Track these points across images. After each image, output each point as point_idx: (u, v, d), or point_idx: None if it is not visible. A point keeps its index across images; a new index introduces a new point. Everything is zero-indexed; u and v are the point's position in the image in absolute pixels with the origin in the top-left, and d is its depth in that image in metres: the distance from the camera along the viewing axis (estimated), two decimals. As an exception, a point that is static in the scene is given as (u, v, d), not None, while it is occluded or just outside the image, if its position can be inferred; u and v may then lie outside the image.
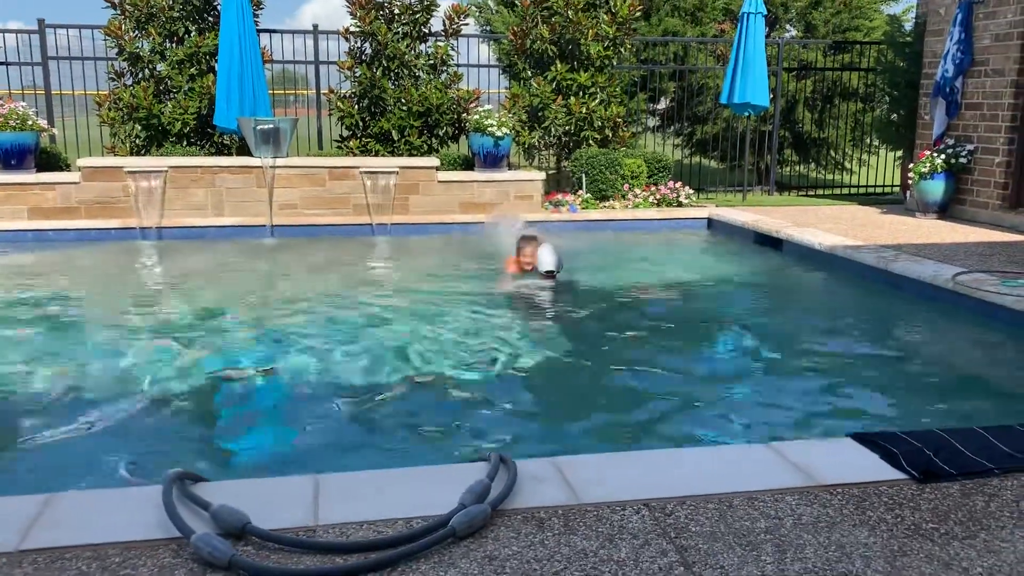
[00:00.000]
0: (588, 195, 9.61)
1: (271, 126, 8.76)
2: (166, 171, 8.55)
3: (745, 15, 10.24)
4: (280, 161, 8.76)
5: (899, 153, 11.16)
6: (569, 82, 10.17)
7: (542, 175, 9.49)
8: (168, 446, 3.47)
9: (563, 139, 10.41)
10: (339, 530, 2.21)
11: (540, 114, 10.15)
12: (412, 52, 10.00)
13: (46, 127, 8.97)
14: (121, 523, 2.25)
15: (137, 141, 9.68)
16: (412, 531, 2.18)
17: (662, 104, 14.49)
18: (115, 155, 9.50)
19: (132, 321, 5.48)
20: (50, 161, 9.11)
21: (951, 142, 8.99)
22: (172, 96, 9.66)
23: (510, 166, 9.82)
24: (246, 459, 3.39)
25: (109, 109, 9.52)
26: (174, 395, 4.01)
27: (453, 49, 10.31)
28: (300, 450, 3.47)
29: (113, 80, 9.75)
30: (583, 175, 9.74)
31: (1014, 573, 2.04)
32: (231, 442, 3.58)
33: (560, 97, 10.10)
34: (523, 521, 2.27)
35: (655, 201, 9.65)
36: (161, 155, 9.15)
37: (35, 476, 3.16)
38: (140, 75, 9.66)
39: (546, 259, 6.15)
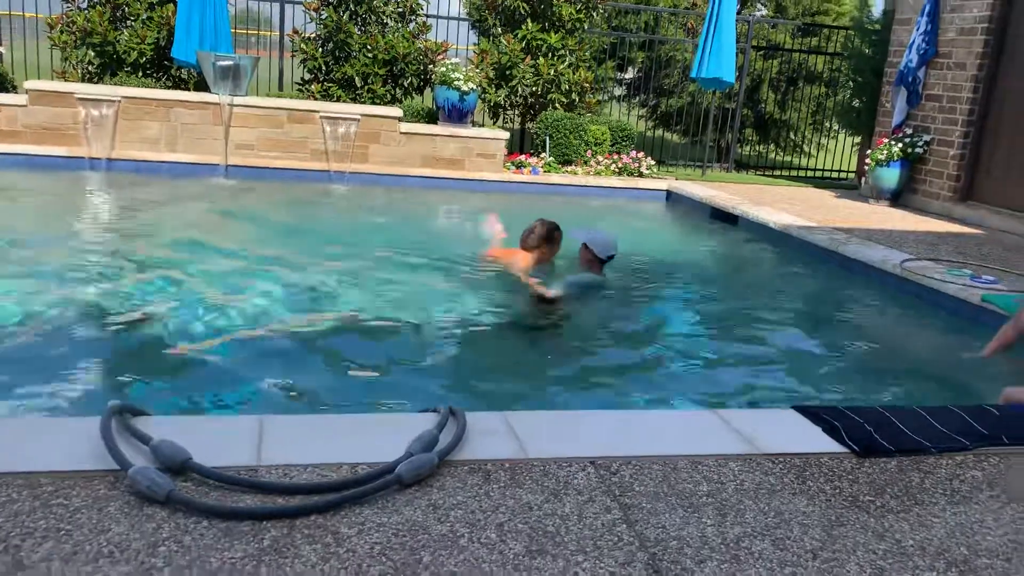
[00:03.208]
0: (551, 158, 9.56)
1: (231, 62, 8.51)
2: (119, 101, 8.27)
3: (719, -11, 10.21)
4: (239, 100, 8.53)
5: (857, 139, 11.32)
6: (539, 42, 10.07)
7: (506, 134, 9.41)
8: (105, 383, 3.39)
9: (529, 100, 10.32)
10: (282, 471, 2.18)
11: (508, 72, 10.04)
12: (381, -2, 9.79)
13: (-7, 46, 8.62)
14: (55, 453, 2.19)
15: (90, 68, 9.34)
16: (357, 476, 2.16)
17: (630, 73, 14.46)
18: (65, 80, 9.15)
19: (73, 253, 5.32)
20: (-4, 81, 8.77)
21: (909, 131, 9.13)
22: (129, 24, 9.33)
23: (474, 124, 9.72)
24: (186, 402, 3.32)
25: (61, 32, 9.15)
26: (113, 332, 3.91)
27: (423, -1, 10.14)
28: (244, 395, 3.41)
29: (67, 2, 9.36)
30: (547, 138, 9.68)
31: (944, 547, 2.10)
32: (170, 385, 3.50)
33: (529, 57, 10.00)
34: (470, 472, 2.26)
35: (617, 170, 9.65)
36: (115, 84, 8.84)
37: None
38: (96, -1, 9.31)
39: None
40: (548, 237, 5.16)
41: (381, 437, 2.40)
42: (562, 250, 5.25)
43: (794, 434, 2.71)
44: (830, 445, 2.63)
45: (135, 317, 4.11)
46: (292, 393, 3.40)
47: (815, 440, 2.66)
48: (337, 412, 3.22)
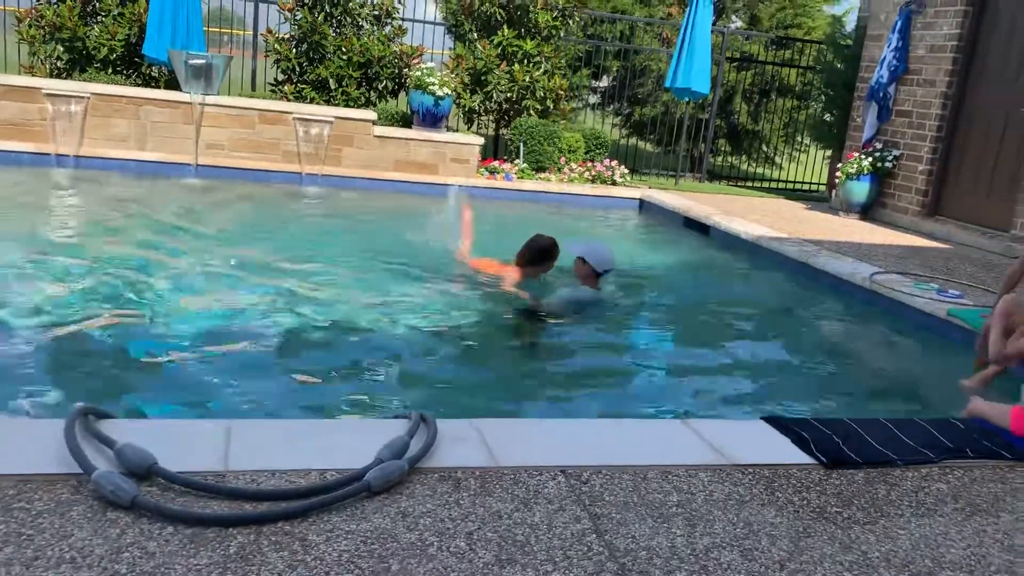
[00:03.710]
0: (524, 165, 9.57)
1: (203, 61, 8.42)
2: (88, 98, 8.15)
3: (695, 0, 10.30)
4: (210, 99, 8.44)
5: (828, 152, 11.45)
6: (515, 48, 10.08)
7: (480, 140, 9.41)
8: (69, 385, 3.32)
9: (504, 106, 10.33)
10: (250, 477, 2.15)
11: (483, 78, 10.04)
12: (356, 0, 9.74)
13: (-41, 38, 8.45)
14: (17, 455, 2.15)
15: (58, 63, 9.19)
16: (326, 483, 2.14)
17: (604, 82, 14.52)
18: (33, 76, 9.00)
19: (35, 252, 5.22)
20: (-39, 75, 8.59)
21: (879, 146, 9.26)
22: (100, 20, 9.19)
23: (448, 129, 9.70)
24: (152, 406, 3.27)
25: (29, 26, 9.00)
26: (77, 334, 3.84)
27: (399, 2, 10.09)
28: (211, 400, 3.36)
29: (36, -5, 9.22)
30: (521, 144, 9.69)
31: (908, 559, 2.12)
32: (137, 388, 3.44)
33: (504, 63, 10.00)
34: (440, 480, 2.25)
35: (590, 177, 9.68)
36: (84, 81, 8.71)
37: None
38: (66, -7, 9.17)
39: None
40: (545, 255, 5.00)
41: (350, 443, 2.38)
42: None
43: (763, 445, 2.73)
44: (799, 456, 2.65)
45: (99, 318, 4.04)
46: (259, 398, 3.36)
47: (784, 451, 2.68)
48: (305, 418, 3.19)
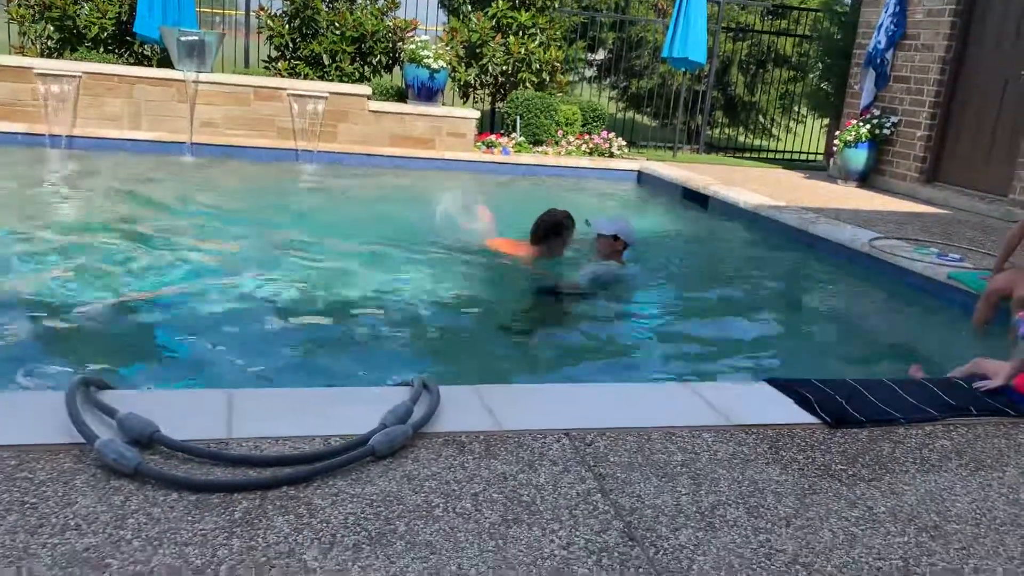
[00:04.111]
0: (522, 138, 9.51)
1: (196, 38, 8.34)
2: (80, 77, 8.08)
3: (690, -31, 10.18)
4: (204, 76, 8.37)
5: (825, 122, 11.39)
6: (510, 20, 9.99)
7: (476, 114, 9.34)
8: (69, 360, 3.31)
9: (499, 79, 10.25)
10: (253, 444, 2.15)
11: (478, 51, 9.96)
12: (349, -26, 9.65)
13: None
14: (18, 426, 2.14)
15: (49, 43, 9.10)
16: (330, 448, 2.13)
17: (600, 55, 14.41)
18: (24, 55, 8.91)
19: (33, 228, 5.19)
20: (-49, 56, 8.50)
21: (877, 113, 9.20)
22: (90, -2, 9.09)
23: (443, 104, 9.63)
24: (154, 380, 3.26)
25: (19, 5, 8.90)
26: (77, 310, 3.82)
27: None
28: (213, 372, 3.35)
29: (25, -26, 9.11)
30: (518, 117, 9.63)
31: (914, 513, 2.12)
32: (139, 361, 3.43)
33: (500, 35, 9.92)
34: (444, 444, 2.24)
35: (588, 150, 9.63)
36: (75, 60, 8.63)
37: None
38: (55, -29, 9.06)
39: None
40: (560, 228, 4.83)
41: (353, 410, 2.37)
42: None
43: (767, 406, 2.72)
44: (803, 416, 2.65)
45: (99, 295, 4.02)
46: (260, 370, 3.35)
47: (788, 412, 2.68)
48: (308, 387, 3.18)
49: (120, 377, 3.13)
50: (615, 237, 4.82)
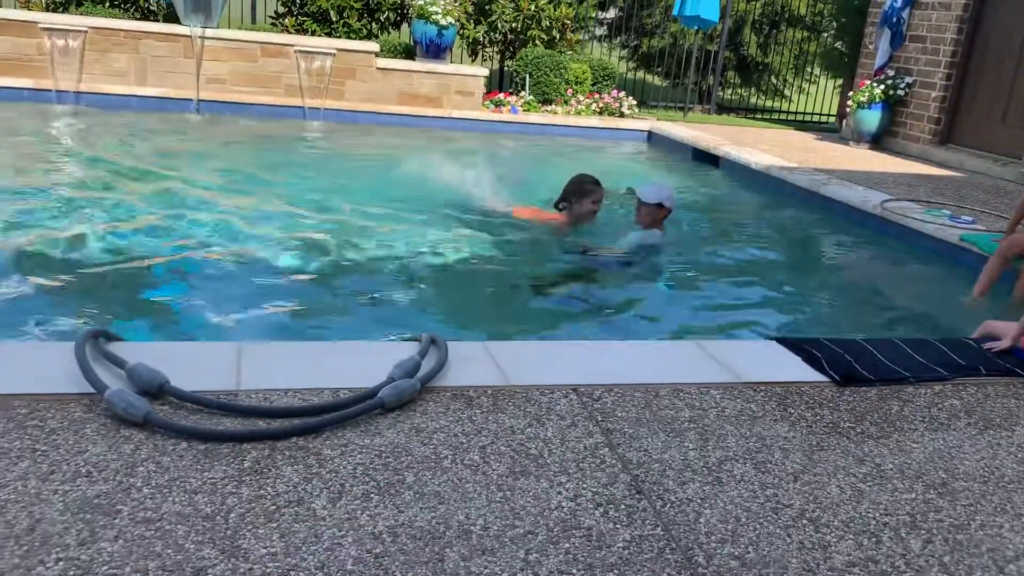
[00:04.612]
0: (531, 97, 9.42)
1: (203, -7, 8.24)
2: (86, 31, 8.01)
3: (704, -76, 9.98)
4: (210, 32, 8.29)
5: (838, 83, 11.23)
6: (519, -23, 9.84)
7: (485, 71, 9.24)
8: (79, 313, 3.32)
9: (509, 36, 10.12)
10: (262, 396, 2.15)
11: (487, 7, 9.82)
12: (357, -72, 9.49)
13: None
14: (29, 376, 2.14)
15: (54, -4, 9.01)
16: (339, 400, 2.14)
17: (611, 13, 14.20)
18: (29, 9, 8.83)
19: (43, 187, 5.18)
20: (-44, 9, 8.43)
21: (892, 73, 9.07)
22: (95, -49, 8.98)
23: (452, 62, 9.53)
24: (166, 331, 3.27)
25: (24, -41, 8.81)
26: (86, 265, 3.82)
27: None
28: (222, 325, 3.36)
29: (29, -73, 8.99)
30: (527, 76, 9.52)
31: (922, 471, 2.12)
32: (148, 315, 3.43)
33: (509, -8, 9.78)
34: (452, 398, 2.25)
35: (597, 109, 9.54)
36: (81, 14, 8.55)
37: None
38: (59, -76, 8.94)
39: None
40: (589, 193, 4.65)
41: (362, 363, 2.37)
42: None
43: (776, 364, 2.71)
44: (811, 375, 2.64)
45: (109, 251, 4.02)
46: (270, 322, 3.36)
47: (797, 370, 2.67)
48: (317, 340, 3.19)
49: (129, 330, 3.14)
50: (660, 205, 4.68)
